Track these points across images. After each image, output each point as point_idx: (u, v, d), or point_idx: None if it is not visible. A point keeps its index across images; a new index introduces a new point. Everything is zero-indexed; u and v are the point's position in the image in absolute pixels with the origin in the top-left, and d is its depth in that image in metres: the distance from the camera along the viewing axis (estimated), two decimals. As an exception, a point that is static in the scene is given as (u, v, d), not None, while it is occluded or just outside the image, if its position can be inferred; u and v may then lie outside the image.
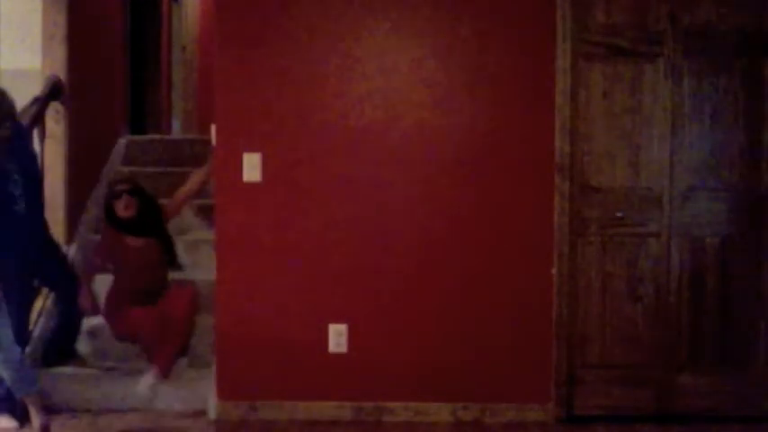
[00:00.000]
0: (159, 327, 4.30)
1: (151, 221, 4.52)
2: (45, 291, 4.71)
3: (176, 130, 8.47)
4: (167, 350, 4.32)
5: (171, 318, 4.35)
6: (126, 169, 6.03)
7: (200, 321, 4.65)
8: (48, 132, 4.88)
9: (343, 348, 4.24)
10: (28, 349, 4.33)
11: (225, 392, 4.26)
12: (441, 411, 4.25)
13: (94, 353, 4.64)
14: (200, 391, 4.37)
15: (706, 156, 4.27)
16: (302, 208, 4.23)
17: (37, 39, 5.10)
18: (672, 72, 4.25)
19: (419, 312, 4.25)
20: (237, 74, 4.22)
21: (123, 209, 4.43)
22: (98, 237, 5.35)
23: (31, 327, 4.48)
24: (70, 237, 5.23)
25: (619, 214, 4.26)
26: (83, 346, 4.64)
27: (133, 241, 4.48)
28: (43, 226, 4.42)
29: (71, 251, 5.16)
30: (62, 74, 4.99)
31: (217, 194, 4.29)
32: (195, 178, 4.70)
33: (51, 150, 5.00)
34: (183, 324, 4.40)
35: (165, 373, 4.31)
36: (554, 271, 4.23)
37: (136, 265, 4.47)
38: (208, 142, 4.85)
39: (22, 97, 4.40)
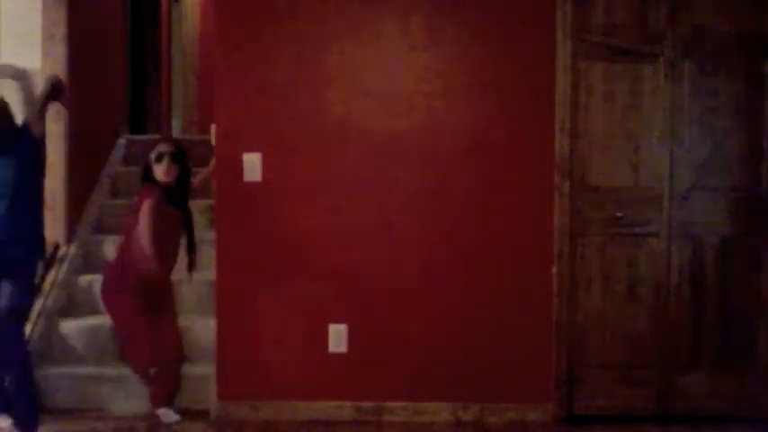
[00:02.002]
0: (153, 356, 4.24)
1: (184, 193, 4.41)
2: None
3: (176, 130, 8.47)
4: (162, 393, 4.28)
5: (166, 360, 4.29)
6: (126, 169, 6.04)
7: (201, 321, 4.65)
8: (48, 132, 4.86)
9: (343, 348, 4.24)
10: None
11: (225, 392, 4.26)
12: (441, 411, 4.25)
13: (94, 353, 4.64)
14: (200, 391, 4.37)
15: (706, 156, 4.27)
16: (302, 208, 4.23)
17: (37, 39, 5.09)
18: (672, 72, 4.25)
19: (419, 312, 4.25)
20: (237, 74, 4.22)
21: (164, 173, 4.27)
22: (98, 236, 5.36)
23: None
24: (70, 237, 5.23)
25: (619, 214, 4.26)
26: (83, 345, 4.64)
27: (168, 209, 4.33)
28: (34, 236, 4.06)
29: (71, 251, 5.16)
30: (62, 74, 4.99)
31: (217, 194, 4.29)
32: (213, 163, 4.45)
33: (51, 150, 4.99)
34: (176, 368, 4.36)
35: (167, 404, 4.29)
36: (554, 271, 4.23)
37: (166, 235, 4.28)
38: (208, 142, 4.85)
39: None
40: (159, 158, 4.28)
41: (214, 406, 4.27)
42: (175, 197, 4.35)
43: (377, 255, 4.24)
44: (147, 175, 4.32)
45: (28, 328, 4.50)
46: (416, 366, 4.25)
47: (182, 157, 4.35)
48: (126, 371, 4.42)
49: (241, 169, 4.22)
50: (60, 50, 5.10)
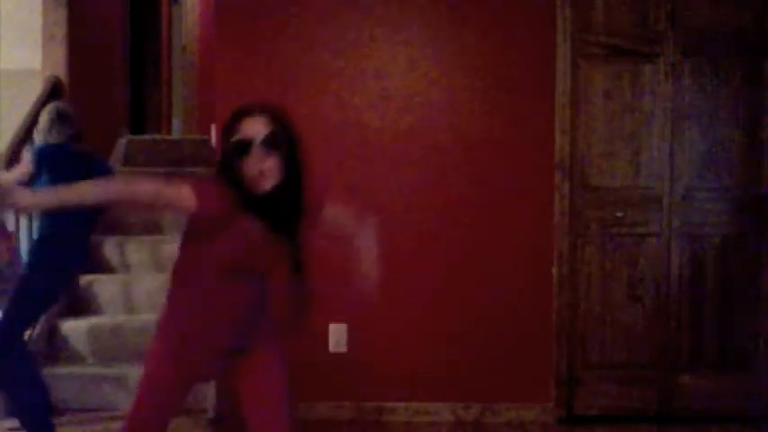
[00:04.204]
0: None
1: (296, 206, 2.43)
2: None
3: (176, 130, 8.48)
4: None
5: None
6: (126, 169, 6.04)
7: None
8: (48, 132, 4.87)
9: (343, 348, 4.25)
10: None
11: (225, 392, 4.26)
12: (441, 411, 4.25)
13: (94, 353, 4.64)
14: (199, 390, 4.37)
15: (706, 156, 4.28)
16: (302, 208, 4.23)
17: (37, 39, 5.09)
18: (672, 72, 4.25)
19: (419, 312, 4.25)
20: (237, 74, 4.22)
21: (259, 173, 2.26)
22: (98, 236, 5.34)
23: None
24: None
25: (619, 214, 4.26)
26: (84, 345, 4.64)
27: (254, 225, 2.34)
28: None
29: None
30: (62, 74, 4.99)
31: (217, 194, 4.28)
32: None
33: (51, 150, 4.99)
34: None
35: None
36: (554, 271, 4.23)
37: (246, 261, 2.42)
38: (208, 142, 4.85)
39: (22, 97, 4.41)
40: (245, 148, 2.29)
41: (214, 405, 4.26)
42: (276, 212, 2.42)
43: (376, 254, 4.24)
44: (229, 172, 2.33)
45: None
46: (416, 366, 4.25)
47: (290, 141, 2.38)
48: (127, 370, 4.42)
49: (241, 169, 4.21)
50: (60, 50, 5.10)
